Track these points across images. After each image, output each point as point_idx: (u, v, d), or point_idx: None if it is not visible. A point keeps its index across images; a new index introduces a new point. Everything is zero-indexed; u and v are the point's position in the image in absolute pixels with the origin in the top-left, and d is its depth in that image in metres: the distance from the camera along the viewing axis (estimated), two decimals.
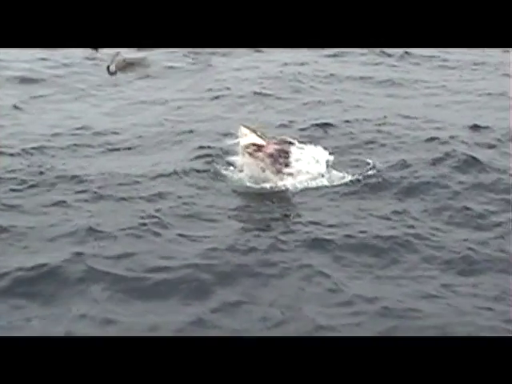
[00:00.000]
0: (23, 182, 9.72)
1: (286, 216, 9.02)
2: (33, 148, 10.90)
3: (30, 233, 8.37)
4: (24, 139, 11.30)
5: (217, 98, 13.71)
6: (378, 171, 9.87)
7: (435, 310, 6.97)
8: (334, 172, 9.91)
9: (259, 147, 9.72)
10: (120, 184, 9.67)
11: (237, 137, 9.99)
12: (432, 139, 11.14)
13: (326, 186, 9.59)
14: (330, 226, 8.58)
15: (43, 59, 15.95)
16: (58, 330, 6.57)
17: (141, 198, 9.25)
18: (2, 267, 7.55)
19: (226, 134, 10.90)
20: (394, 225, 8.60)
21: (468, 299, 7.17)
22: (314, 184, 9.61)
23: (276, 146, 9.73)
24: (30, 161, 10.47)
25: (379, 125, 11.90)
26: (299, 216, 8.92)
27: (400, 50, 16.36)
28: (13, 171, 10.05)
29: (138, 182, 9.73)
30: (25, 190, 9.50)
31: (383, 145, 11.10)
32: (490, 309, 6.99)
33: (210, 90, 14.19)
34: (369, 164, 10.21)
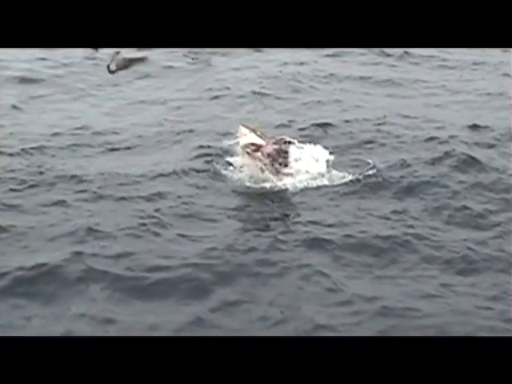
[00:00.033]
0: (23, 181, 9.73)
1: (286, 215, 9.03)
2: (32, 148, 10.91)
3: (29, 232, 8.38)
4: (24, 139, 11.30)
5: (216, 97, 13.71)
6: (378, 171, 9.88)
7: (434, 309, 6.99)
8: (334, 172, 9.92)
9: (258, 147, 9.72)
10: (119, 184, 9.68)
11: (236, 136, 10.00)
12: (431, 139, 11.15)
13: (326, 186, 9.60)
14: (330, 225, 8.58)
15: (43, 59, 15.93)
16: (57, 329, 6.60)
17: (140, 197, 9.26)
18: (2, 267, 7.57)
19: (226, 134, 10.91)
20: (394, 224, 8.61)
21: (467, 299, 7.19)
22: (313, 183, 9.62)
23: (274, 146, 9.73)
24: (29, 161, 10.47)
25: (379, 124, 11.90)
26: (299, 215, 8.93)
27: (399, 50, 16.35)
28: (13, 171, 10.06)
29: (137, 182, 9.74)
30: (24, 190, 9.51)
31: (383, 144, 11.10)
32: (489, 308, 7.01)
33: (209, 89, 14.19)
34: (368, 164, 10.21)
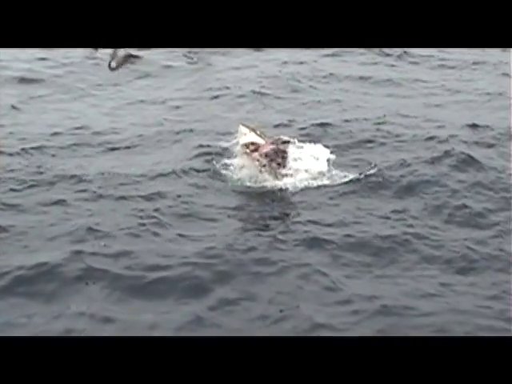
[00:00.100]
0: (23, 181, 9.73)
1: (285, 215, 9.04)
2: (32, 148, 10.92)
3: (29, 232, 8.39)
4: (24, 139, 11.31)
5: (216, 97, 13.72)
6: (377, 170, 9.88)
7: (434, 308, 6.99)
8: (333, 171, 9.93)
9: (258, 146, 9.73)
10: (119, 183, 9.69)
11: (236, 136, 10.01)
12: (431, 138, 11.16)
13: (325, 185, 9.61)
14: (329, 224, 8.59)
15: (43, 59, 15.94)
16: (57, 328, 6.62)
17: (140, 197, 9.27)
18: (2, 266, 7.59)
19: (225, 134, 10.92)
20: (393, 224, 8.61)
21: (467, 298, 7.19)
22: (312, 183, 9.62)
23: (272, 146, 9.73)
24: (29, 160, 10.48)
25: (378, 124, 11.90)
26: (298, 215, 8.93)
27: (399, 50, 16.35)
28: (13, 171, 10.07)
29: (137, 182, 9.75)
30: (24, 190, 9.52)
31: (382, 144, 11.11)
32: (488, 307, 7.01)
33: (209, 89, 14.20)
34: (368, 163, 10.22)
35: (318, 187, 9.56)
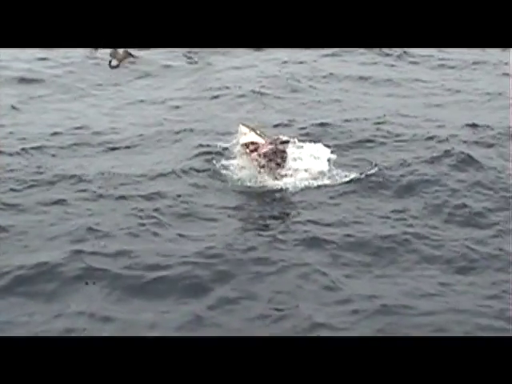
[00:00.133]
0: (23, 181, 9.74)
1: (285, 215, 9.04)
2: (32, 148, 10.93)
3: (29, 231, 8.41)
4: (24, 139, 11.31)
5: (216, 97, 13.72)
6: (377, 170, 9.89)
7: (433, 308, 7.00)
8: (333, 171, 9.93)
9: (256, 147, 9.74)
10: (119, 183, 9.70)
11: (236, 135, 10.02)
12: (431, 138, 11.17)
13: (325, 185, 9.61)
14: (329, 224, 8.60)
15: (43, 59, 15.94)
16: (57, 327, 6.64)
17: (140, 196, 9.28)
18: (2, 266, 7.60)
19: (225, 133, 10.94)
20: (393, 223, 8.62)
21: (466, 298, 7.20)
22: (312, 183, 9.63)
23: (271, 146, 9.73)
24: (29, 160, 10.49)
25: (378, 124, 11.91)
26: (298, 215, 8.94)
27: (399, 50, 16.36)
28: (13, 171, 10.08)
29: (137, 182, 9.76)
30: (24, 190, 9.53)
31: (382, 144, 11.11)
32: (488, 307, 7.02)
33: (209, 89, 14.20)
34: (368, 163, 10.23)
35: (318, 187, 9.57)
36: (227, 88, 14.10)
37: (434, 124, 11.98)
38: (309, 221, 8.67)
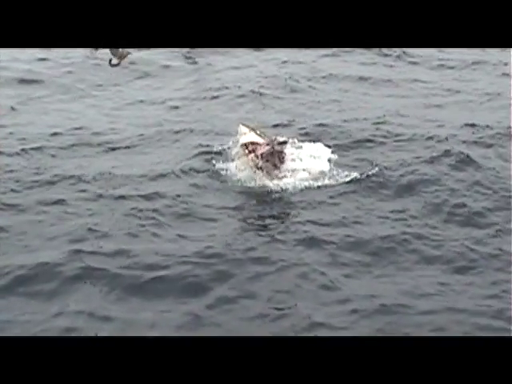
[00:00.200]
0: (23, 181, 9.76)
1: (284, 215, 9.05)
2: (32, 148, 10.94)
3: (29, 231, 8.42)
4: (24, 139, 11.32)
5: (215, 97, 13.72)
6: (377, 170, 9.89)
7: (433, 307, 7.01)
8: (332, 171, 9.94)
9: (255, 147, 9.75)
10: (119, 183, 9.71)
11: (236, 135, 10.04)
12: (431, 138, 11.17)
13: (324, 185, 9.62)
14: (328, 224, 8.61)
15: (43, 59, 15.94)
16: (57, 326, 6.67)
17: (139, 196, 9.29)
18: (2, 265, 7.61)
19: (225, 134, 10.95)
20: (392, 223, 8.63)
21: (466, 297, 7.21)
22: (311, 183, 9.63)
23: (268, 147, 9.74)
24: (29, 161, 10.50)
25: (378, 124, 11.91)
26: (297, 214, 8.95)
27: (398, 50, 16.35)
28: (12, 171, 10.09)
29: (136, 181, 9.77)
30: (24, 190, 9.54)
31: (382, 144, 11.12)
32: (488, 307, 7.03)
33: (208, 89, 14.21)
34: (367, 163, 10.24)
35: (317, 187, 9.57)
36: (227, 88, 14.10)
37: (433, 124, 11.99)
38: (308, 221, 8.68)
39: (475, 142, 11.04)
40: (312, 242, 8.17)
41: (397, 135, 11.40)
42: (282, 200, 9.35)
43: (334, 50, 16.32)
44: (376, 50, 16.45)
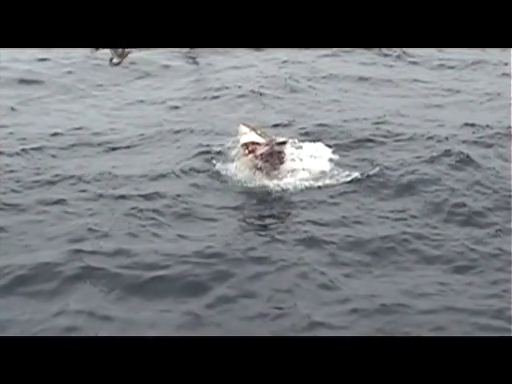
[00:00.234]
0: (23, 181, 9.76)
1: (284, 214, 9.06)
2: (33, 148, 10.94)
3: (29, 231, 8.43)
4: (24, 139, 11.32)
5: (215, 97, 13.72)
6: (377, 170, 9.90)
7: (433, 307, 7.02)
8: (332, 171, 9.95)
9: (254, 148, 9.75)
10: (119, 183, 9.72)
11: (236, 135, 10.04)
12: (431, 138, 11.17)
13: (324, 185, 9.62)
14: (328, 224, 8.61)
15: (43, 60, 15.94)
16: (56, 326, 6.67)
17: (139, 196, 9.29)
18: (2, 265, 7.62)
19: (225, 134, 10.96)
20: (392, 223, 8.64)
21: (466, 297, 7.21)
22: (311, 183, 9.63)
23: (267, 147, 9.74)
24: (29, 161, 10.50)
25: (378, 124, 11.91)
26: (297, 214, 8.95)
27: (398, 50, 16.35)
28: (13, 171, 10.09)
29: (136, 181, 9.77)
30: (24, 190, 9.54)
31: (382, 144, 11.12)
32: (488, 307, 7.03)
33: (208, 89, 14.20)
34: (367, 163, 10.24)
35: (317, 187, 9.58)
36: (227, 88, 14.10)
37: (433, 124, 11.99)
38: (308, 220, 8.69)
39: (475, 142, 11.04)
40: (312, 242, 8.17)
41: (397, 135, 11.40)
42: (282, 200, 9.36)
43: (334, 49, 16.32)
44: (376, 50, 16.44)
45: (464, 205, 8.98)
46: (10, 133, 11.65)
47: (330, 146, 10.64)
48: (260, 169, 9.68)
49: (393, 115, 12.40)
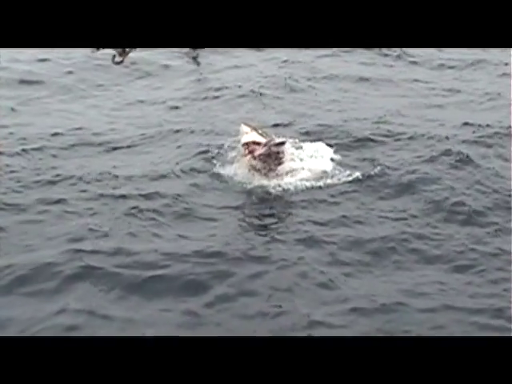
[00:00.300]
0: (23, 181, 9.77)
1: (284, 214, 9.07)
2: (33, 148, 10.95)
3: (29, 231, 8.45)
4: (24, 139, 11.33)
5: (215, 97, 13.73)
6: (377, 169, 9.91)
7: (432, 306, 7.03)
8: (333, 170, 9.95)
9: (254, 147, 9.76)
10: (119, 183, 9.73)
11: (236, 135, 10.05)
12: (431, 138, 11.18)
13: (324, 185, 9.63)
14: (328, 223, 8.62)
15: (43, 60, 15.94)
16: (56, 325, 6.69)
17: (139, 196, 9.30)
18: (2, 265, 7.63)
19: (225, 134, 10.96)
20: (392, 222, 8.64)
21: (466, 296, 7.22)
22: (311, 182, 9.64)
23: (265, 148, 9.74)
24: (30, 161, 10.51)
25: (378, 124, 11.92)
26: (297, 214, 8.96)
27: (398, 50, 16.36)
28: (13, 171, 10.10)
29: (136, 181, 9.78)
30: (25, 190, 9.55)
31: (382, 143, 11.13)
32: (488, 306, 7.04)
33: (208, 89, 14.21)
34: (367, 162, 10.25)
35: (317, 186, 9.59)
36: (227, 88, 14.11)
37: (433, 124, 12.00)
38: (308, 220, 8.70)
39: (475, 142, 11.04)
40: (312, 241, 8.18)
41: (397, 135, 11.40)
42: (282, 200, 9.36)
43: (334, 49, 16.32)
44: (376, 49, 16.45)
45: (464, 204, 8.99)
46: (11, 133, 11.66)
47: (330, 146, 10.64)
48: (258, 169, 9.69)
49: (393, 115, 12.41)
